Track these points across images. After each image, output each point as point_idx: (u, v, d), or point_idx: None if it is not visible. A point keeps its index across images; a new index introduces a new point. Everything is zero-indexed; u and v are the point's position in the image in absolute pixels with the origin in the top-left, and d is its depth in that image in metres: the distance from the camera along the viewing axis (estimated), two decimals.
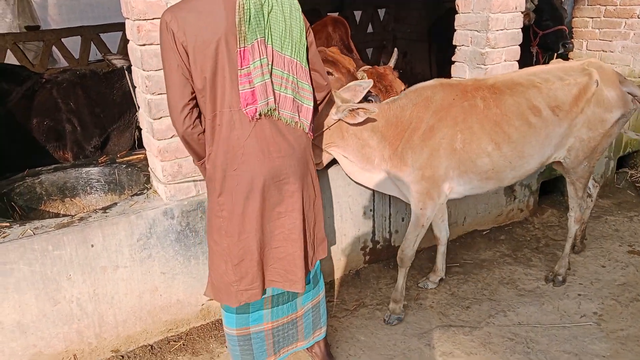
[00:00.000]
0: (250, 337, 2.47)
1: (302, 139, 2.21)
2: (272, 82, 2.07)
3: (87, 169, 3.32)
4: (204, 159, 2.23)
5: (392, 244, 3.61)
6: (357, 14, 7.96)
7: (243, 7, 1.94)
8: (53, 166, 3.35)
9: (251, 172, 2.11)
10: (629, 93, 3.01)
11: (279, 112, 2.11)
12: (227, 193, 2.14)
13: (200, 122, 2.15)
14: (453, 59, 3.83)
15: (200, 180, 2.78)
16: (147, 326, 2.84)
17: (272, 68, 2.06)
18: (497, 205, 4.02)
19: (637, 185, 4.73)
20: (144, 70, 2.50)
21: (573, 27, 5.43)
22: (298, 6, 2.11)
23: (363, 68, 3.69)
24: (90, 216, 2.63)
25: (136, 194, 2.86)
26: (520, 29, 3.61)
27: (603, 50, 5.21)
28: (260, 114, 2.06)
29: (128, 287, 2.72)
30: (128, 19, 2.51)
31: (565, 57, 5.34)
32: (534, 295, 3.29)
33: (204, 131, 2.16)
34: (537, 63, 4.96)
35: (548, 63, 5.23)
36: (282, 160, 2.14)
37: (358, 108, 2.57)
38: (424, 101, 2.76)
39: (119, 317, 2.74)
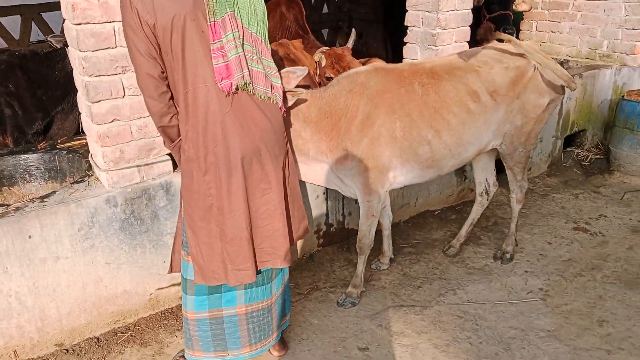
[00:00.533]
0: (222, 320, 2.40)
1: (277, 114, 2.22)
2: (245, 56, 2.07)
3: (26, 155, 3.16)
4: (177, 141, 2.21)
5: (346, 226, 3.61)
6: None
7: None
8: None
9: (232, 147, 2.09)
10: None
11: (253, 87, 2.10)
12: (212, 171, 2.11)
13: (173, 102, 2.14)
14: (405, 40, 3.82)
15: (144, 166, 2.68)
16: (92, 318, 2.75)
17: (243, 43, 2.07)
18: (449, 186, 4.07)
19: (583, 163, 4.88)
20: (80, 50, 2.38)
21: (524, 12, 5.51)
22: None
23: (321, 49, 3.64)
24: (27, 206, 2.50)
25: (77, 182, 2.73)
26: (470, 10, 3.63)
27: (552, 32, 5.32)
28: (236, 88, 2.05)
29: (70, 278, 2.61)
30: None
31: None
32: (482, 273, 3.36)
33: (177, 113, 2.14)
34: None
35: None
36: (261, 134, 2.14)
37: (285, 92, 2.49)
38: (358, 88, 2.64)
39: (62, 309, 2.64)
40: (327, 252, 3.55)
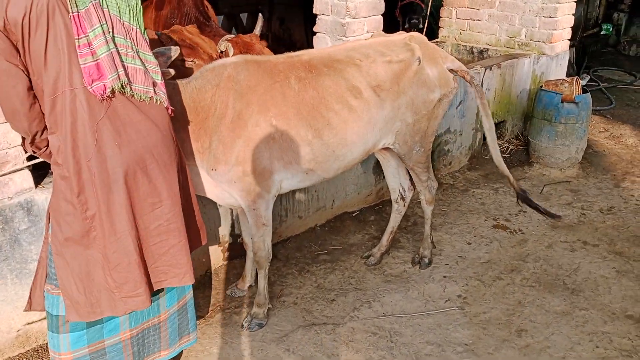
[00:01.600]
0: (105, 351, 2.11)
1: (163, 116, 1.94)
2: (118, 52, 1.77)
3: None
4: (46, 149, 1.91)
5: None
6: None
7: None
8: None
9: (109, 160, 1.80)
10: (450, 71, 2.84)
11: (130, 88, 1.81)
12: (87, 189, 1.80)
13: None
14: (314, 29, 3.52)
15: None
16: None
17: (113, 36, 1.76)
18: (367, 185, 3.85)
19: (503, 155, 4.78)
20: None
21: None
22: None
23: (226, 37, 3.28)
24: None
25: None
26: None
27: (471, 19, 5.19)
28: (111, 91, 1.75)
29: None
30: None
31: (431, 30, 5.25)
32: (400, 281, 3.16)
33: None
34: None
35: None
36: (144, 141, 1.86)
37: None
38: (225, 82, 2.32)
39: None
40: (235, 266, 3.24)
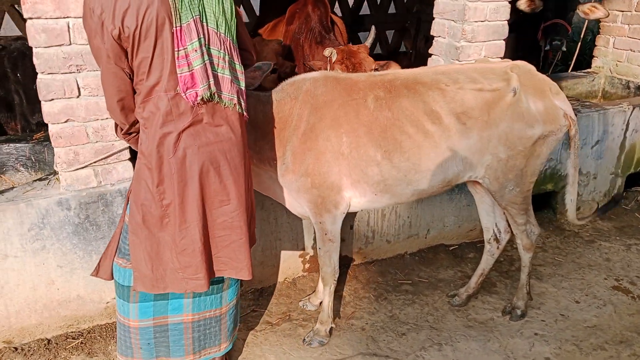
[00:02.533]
0: (167, 327, 2.30)
1: (240, 122, 2.09)
2: (211, 62, 1.95)
3: (20, 144, 3.15)
4: (134, 135, 2.12)
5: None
6: None
7: None
8: None
9: (188, 159, 1.98)
10: (561, 108, 2.51)
11: (218, 95, 1.98)
12: (166, 182, 2.00)
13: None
14: (430, 51, 3.40)
15: (101, 170, 2.55)
16: (43, 319, 2.67)
17: (209, 47, 1.94)
18: (470, 219, 3.59)
19: None
20: (32, 47, 2.27)
21: (600, 21, 4.79)
22: None
23: (335, 46, 3.39)
24: None
25: (41, 179, 2.66)
26: (506, 22, 3.14)
27: (631, 50, 4.58)
28: (202, 98, 1.93)
29: (20, 277, 2.54)
30: None
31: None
32: (483, 329, 2.90)
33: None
34: (546, 57, 4.43)
35: (555, 59, 4.70)
36: (220, 145, 2.03)
37: None
38: (303, 95, 2.37)
39: (10, 307, 2.58)
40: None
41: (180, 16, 1.84)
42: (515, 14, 4.89)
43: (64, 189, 2.52)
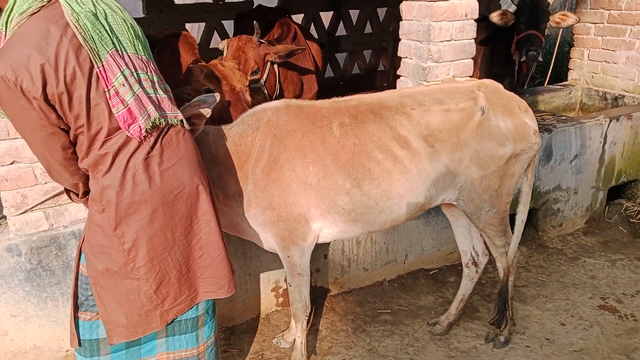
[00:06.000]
0: None
1: (188, 138, 1.99)
2: (143, 89, 1.83)
3: None
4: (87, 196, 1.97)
5: (313, 284, 3.15)
6: (354, 13, 7.46)
7: (78, 24, 1.67)
8: None
9: (146, 193, 1.86)
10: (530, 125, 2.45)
11: (163, 117, 1.87)
12: (125, 223, 1.87)
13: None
14: (398, 72, 3.32)
15: (52, 212, 2.42)
16: None
17: (138, 74, 1.82)
18: (449, 241, 3.48)
19: (632, 221, 4.06)
20: None
21: (574, 34, 4.78)
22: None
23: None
24: None
25: None
26: (472, 40, 3.07)
27: (606, 61, 4.55)
28: (146, 130, 1.81)
29: None
30: None
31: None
32: (466, 358, 2.77)
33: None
34: (520, 72, 4.37)
35: (530, 72, 4.64)
36: (174, 169, 1.92)
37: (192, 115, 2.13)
38: (265, 126, 2.29)
39: None
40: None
41: (99, 55, 1.71)
42: (487, 30, 4.87)
43: (14, 234, 2.39)
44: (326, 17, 7.47)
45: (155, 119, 1.82)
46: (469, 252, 2.84)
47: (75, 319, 2.07)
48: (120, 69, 1.76)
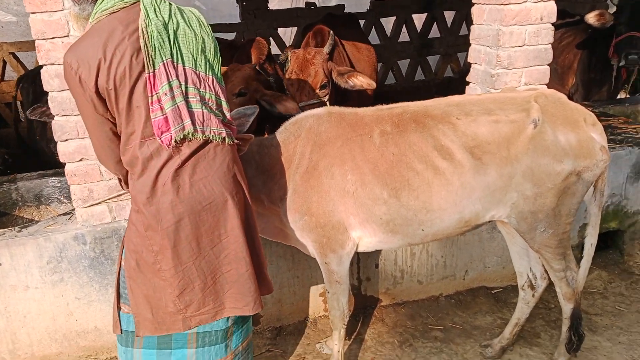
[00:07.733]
0: None
1: (227, 153, 2.04)
2: (187, 102, 1.91)
3: (64, 178, 3.35)
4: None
5: (363, 293, 3.11)
6: (449, 15, 7.21)
7: (145, 30, 1.82)
8: (37, 173, 3.44)
9: (174, 202, 1.94)
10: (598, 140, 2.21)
11: (202, 132, 1.94)
12: (153, 228, 1.99)
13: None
14: (467, 78, 3.17)
15: (115, 206, 2.61)
16: (63, 349, 2.77)
17: (187, 88, 1.91)
18: None
19: None
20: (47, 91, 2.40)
21: None
22: (205, 21, 1.99)
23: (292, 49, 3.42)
24: (5, 233, 2.60)
25: (65, 214, 2.79)
26: (548, 45, 2.84)
27: None
28: (175, 141, 1.89)
29: (40, 308, 2.66)
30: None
31: None
32: None
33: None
34: (619, 77, 3.98)
35: (631, 77, 4.20)
36: (205, 181, 1.98)
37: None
38: (306, 133, 2.30)
39: (32, 336, 2.70)
40: None
41: (153, 62, 1.82)
42: (585, 32, 4.48)
43: (81, 225, 2.62)
44: (419, 19, 7.31)
45: (189, 132, 1.88)
46: (526, 274, 2.65)
47: (118, 309, 2.23)
48: (168, 79, 1.84)
